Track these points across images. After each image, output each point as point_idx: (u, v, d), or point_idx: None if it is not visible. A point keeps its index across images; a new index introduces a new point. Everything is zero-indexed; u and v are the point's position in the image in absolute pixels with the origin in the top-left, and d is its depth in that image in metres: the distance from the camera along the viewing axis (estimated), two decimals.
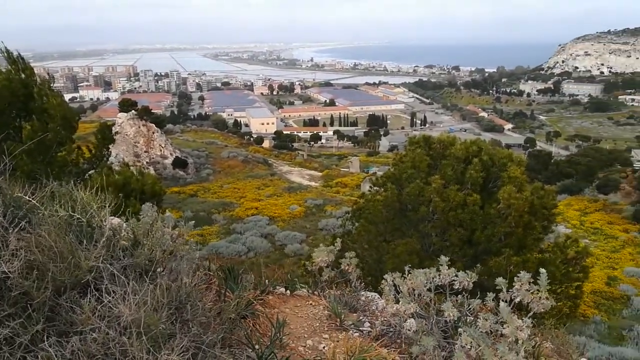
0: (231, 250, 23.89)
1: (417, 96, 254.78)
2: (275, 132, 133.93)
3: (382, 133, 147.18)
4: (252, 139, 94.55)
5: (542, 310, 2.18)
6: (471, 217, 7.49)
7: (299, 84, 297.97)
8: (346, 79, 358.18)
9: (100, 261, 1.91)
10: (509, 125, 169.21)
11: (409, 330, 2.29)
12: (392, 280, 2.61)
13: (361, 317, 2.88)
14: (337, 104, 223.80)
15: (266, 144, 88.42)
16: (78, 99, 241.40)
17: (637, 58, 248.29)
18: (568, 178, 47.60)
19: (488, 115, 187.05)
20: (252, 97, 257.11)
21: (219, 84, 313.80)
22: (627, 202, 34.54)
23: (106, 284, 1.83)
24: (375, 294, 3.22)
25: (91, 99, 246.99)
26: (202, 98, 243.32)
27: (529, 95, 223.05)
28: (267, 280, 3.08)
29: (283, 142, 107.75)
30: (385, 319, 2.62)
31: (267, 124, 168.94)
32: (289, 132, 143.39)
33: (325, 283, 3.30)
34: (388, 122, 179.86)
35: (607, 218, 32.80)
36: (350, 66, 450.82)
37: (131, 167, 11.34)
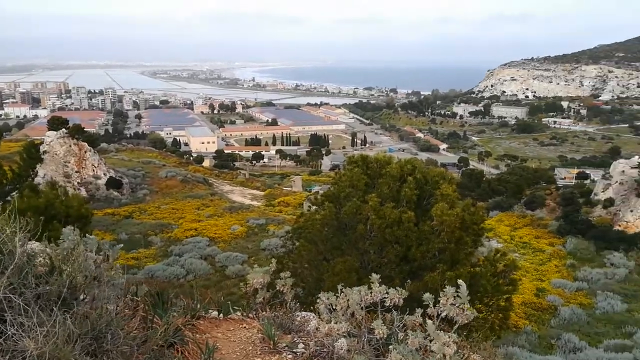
0: (169, 274, 22.97)
1: (358, 117, 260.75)
2: (216, 151, 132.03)
3: (324, 152, 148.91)
4: (191, 158, 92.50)
5: (466, 322, 2.25)
6: (406, 233, 7.68)
7: (241, 103, 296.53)
8: (288, 99, 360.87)
9: (5, 290, 1.74)
10: (444, 146, 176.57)
11: (340, 349, 2.28)
12: (327, 299, 2.60)
13: (295, 339, 2.83)
14: (279, 123, 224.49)
15: (207, 163, 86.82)
16: (2, 117, 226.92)
17: (558, 84, 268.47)
18: (499, 195, 50.07)
19: (424, 135, 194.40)
20: (192, 115, 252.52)
21: (157, 102, 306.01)
22: (552, 217, 36.77)
23: (11, 315, 1.67)
24: (312, 313, 3.19)
25: (17, 116, 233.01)
26: (139, 116, 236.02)
27: (461, 117, 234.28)
28: (198, 304, 2.97)
29: (224, 161, 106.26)
30: (319, 339, 2.59)
31: (208, 143, 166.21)
32: (230, 152, 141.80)
33: (260, 305, 3.23)
34: (330, 141, 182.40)
35: (534, 233, 34.67)
36: (292, 87, 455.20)
37: (59, 188, 10.69)
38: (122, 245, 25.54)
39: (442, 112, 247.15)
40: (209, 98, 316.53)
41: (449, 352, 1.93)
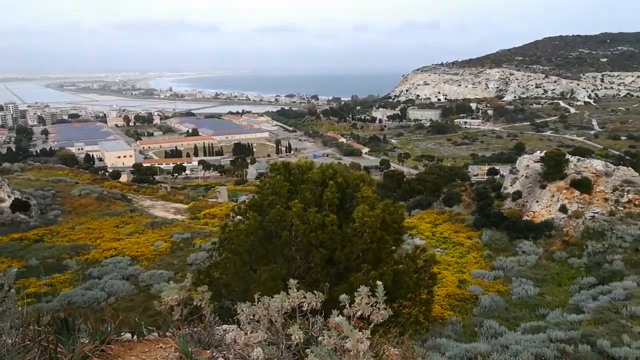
0: (88, 298, 21.53)
1: (281, 124, 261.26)
2: (134, 165, 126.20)
3: (249, 161, 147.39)
4: (107, 173, 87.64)
5: (381, 320, 2.31)
6: (331, 237, 7.78)
7: (158, 114, 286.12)
8: (208, 109, 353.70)
9: None
10: (365, 149, 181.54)
11: (256, 358, 2.24)
12: (247, 310, 2.55)
13: (215, 354, 2.74)
14: (200, 133, 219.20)
15: (124, 178, 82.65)
16: None
17: (466, 86, 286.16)
18: (419, 194, 52.26)
19: (347, 140, 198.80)
20: (105, 129, 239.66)
21: (65, 117, 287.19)
22: (468, 212, 38.92)
23: None
24: (235, 326, 3.11)
25: None
26: (45, 132, 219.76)
27: (380, 121, 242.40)
28: (109, 328, 2.78)
29: (143, 175, 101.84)
30: (237, 351, 2.53)
31: (124, 157, 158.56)
32: (149, 165, 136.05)
33: (177, 322, 3.10)
34: (254, 150, 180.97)
35: (453, 227, 36.46)
36: (212, 95, 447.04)
37: None
38: (16, 269, 23.57)
39: (363, 117, 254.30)
40: (124, 110, 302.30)
41: (362, 349, 1.96)
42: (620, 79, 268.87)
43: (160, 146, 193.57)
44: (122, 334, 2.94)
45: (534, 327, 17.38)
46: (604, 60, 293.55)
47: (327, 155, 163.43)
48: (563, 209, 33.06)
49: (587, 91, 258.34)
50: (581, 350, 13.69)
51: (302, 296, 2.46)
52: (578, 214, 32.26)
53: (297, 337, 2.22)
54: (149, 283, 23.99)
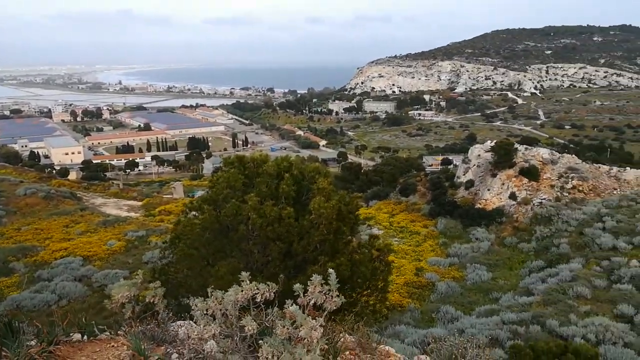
0: (38, 302, 20.63)
1: (237, 117, 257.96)
2: (84, 162, 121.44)
3: (204, 156, 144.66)
4: (54, 171, 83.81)
5: (334, 307, 2.35)
6: (288, 229, 7.79)
7: (108, 109, 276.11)
8: (161, 102, 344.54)
9: None
10: (323, 142, 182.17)
11: (209, 351, 2.23)
12: (201, 304, 2.53)
13: (169, 349, 2.71)
14: (153, 128, 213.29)
15: (73, 175, 79.40)
16: None
17: (420, 79, 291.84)
18: (376, 185, 53.07)
19: (304, 133, 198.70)
20: (51, 125, 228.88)
21: (6, 112, 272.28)
22: (424, 202, 39.87)
23: None
24: (190, 321, 3.07)
25: None
26: None
27: (337, 113, 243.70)
28: (56, 329, 2.68)
29: (93, 172, 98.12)
30: (192, 346, 2.51)
31: (72, 153, 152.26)
32: (99, 161, 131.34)
33: (130, 320, 3.03)
34: (210, 144, 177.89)
35: (410, 217, 37.26)
36: (164, 89, 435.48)
37: None
38: None
39: (319, 110, 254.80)
40: (70, 105, 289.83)
41: (316, 336, 1.99)
42: (564, 70, 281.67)
43: (111, 142, 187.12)
44: (72, 334, 2.84)
45: (487, 311, 18.06)
46: (549, 52, 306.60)
47: (285, 149, 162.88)
48: (513, 196, 34.42)
49: (533, 82, 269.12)
50: (532, 330, 14.38)
51: (255, 288, 2.46)
52: (527, 201, 33.68)
53: (250, 328, 2.22)
54: (103, 283, 23.25)
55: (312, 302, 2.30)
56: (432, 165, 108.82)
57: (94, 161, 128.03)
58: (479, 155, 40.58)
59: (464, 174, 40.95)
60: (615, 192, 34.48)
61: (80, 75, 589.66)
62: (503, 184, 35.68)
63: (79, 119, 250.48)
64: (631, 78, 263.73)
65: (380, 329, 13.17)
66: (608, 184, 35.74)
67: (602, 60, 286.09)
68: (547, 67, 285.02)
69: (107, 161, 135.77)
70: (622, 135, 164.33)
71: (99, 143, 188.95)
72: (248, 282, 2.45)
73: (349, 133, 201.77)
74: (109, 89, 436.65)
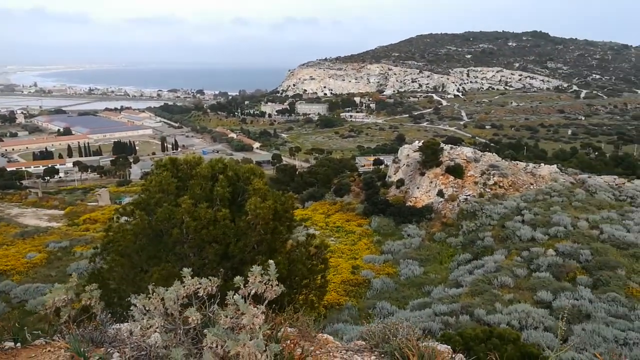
0: None
1: (165, 120, 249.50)
2: None
3: (131, 160, 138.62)
4: None
5: (275, 296, 2.43)
6: (224, 231, 7.73)
7: (22, 113, 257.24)
8: (82, 105, 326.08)
9: None
10: (257, 144, 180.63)
11: (153, 344, 2.23)
12: (140, 303, 2.51)
13: (109, 349, 2.66)
14: (73, 132, 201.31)
15: None
16: None
17: (350, 81, 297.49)
18: (311, 186, 53.52)
19: (237, 136, 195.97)
20: None
21: None
22: (358, 201, 40.76)
23: None
24: (128, 323, 3.00)
25: None
26: None
27: (270, 115, 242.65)
28: None
29: (8, 180, 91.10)
30: (134, 343, 2.49)
31: None
32: (14, 169, 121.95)
33: (65, 324, 2.92)
34: (137, 148, 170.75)
35: (345, 217, 37.94)
36: (86, 91, 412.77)
37: None
38: None
39: (252, 112, 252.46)
40: None
41: (258, 323, 2.06)
42: (483, 73, 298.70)
43: (27, 147, 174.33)
44: (3, 342, 2.69)
45: (421, 304, 18.84)
46: (469, 56, 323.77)
47: (218, 152, 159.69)
48: (440, 193, 36.06)
49: (455, 85, 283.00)
50: (461, 320, 15.19)
51: (198, 283, 2.48)
52: (453, 198, 35.43)
53: (194, 320, 2.24)
54: (23, 299, 21.72)
55: (253, 291, 2.36)
56: (364, 165, 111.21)
57: (8, 168, 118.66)
58: (408, 155, 42.13)
59: (394, 174, 42.33)
60: (532, 186, 37.13)
61: None
62: (431, 182, 37.28)
63: None
64: (542, 80, 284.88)
65: (320, 328, 13.34)
66: (525, 179, 38.41)
67: (517, 64, 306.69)
68: (468, 70, 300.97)
69: (23, 168, 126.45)
70: (537, 134, 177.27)
71: (13, 149, 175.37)
72: (190, 277, 2.47)
73: (283, 135, 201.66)
74: (23, 92, 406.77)
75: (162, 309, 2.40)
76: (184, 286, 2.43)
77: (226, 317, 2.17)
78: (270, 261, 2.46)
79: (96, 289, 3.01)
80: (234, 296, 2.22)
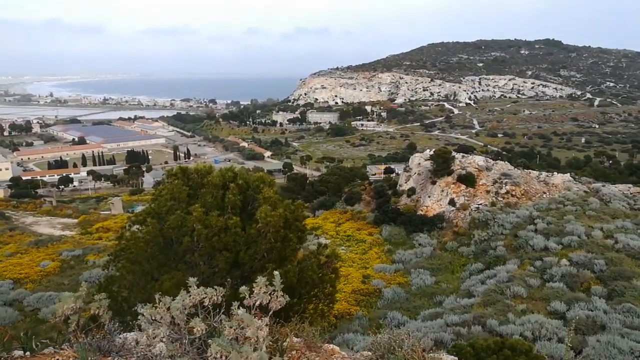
0: None
1: (178, 129, 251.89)
2: (12, 179, 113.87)
3: (144, 169, 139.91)
4: None
5: (279, 307, 2.43)
6: (234, 239, 7.75)
7: (38, 122, 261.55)
8: (97, 115, 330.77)
9: None
10: (268, 153, 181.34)
11: (158, 355, 2.24)
12: (147, 312, 2.52)
13: (116, 359, 2.67)
14: (88, 141, 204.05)
15: (0, 193, 74.52)
16: None
17: (361, 90, 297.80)
18: (322, 195, 53.54)
19: (248, 144, 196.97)
20: None
21: None
22: (369, 210, 40.64)
23: None
24: (134, 333, 3.02)
25: None
26: None
27: (281, 124, 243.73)
28: None
29: (23, 189, 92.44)
30: (140, 353, 2.50)
31: None
32: (30, 177, 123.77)
33: (74, 333, 2.94)
34: (150, 157, 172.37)
35: (355, 225, 37.81)
36: (100, 101, 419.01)
37: None
38: None
39: (263, 121, 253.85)
40: None
41: (262, 335, 2.06)
42: (495, 82, 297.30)
43: (42, 157, 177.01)
44: (12, 351, 2.72)
45: (432, 314, 18.62)
46: (481, 65, 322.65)
47: (229, 160, 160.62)
48: (452, 202, 35.82)
49: (467, 93, 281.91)
50: (473, 331, 14.99)
51: (203, 292, 2.49)
52: (465, 206, 35.15)
53: (199, 330, 2.25)
54: (36, 307, 21.94)
55: (258, 302, 2.36)
56: (375, 174, 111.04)
57: (24, 177, 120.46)
58: (419, 163, 41.97)
59: (405, 182, 42.17)
60: (544, 195, 36.72)
61: (6, 87, 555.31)
62: (442, 190, 37.06)
63: (5, 133, 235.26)
64: (555, 89, 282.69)
65: (330, 338, 13.27)
66: (538, 188, 38.01)
67: (529, 72, 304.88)
68: (480, 78, 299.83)
69: (39, 177, 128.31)
70: (550, 142, 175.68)
71: (28, 158, 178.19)
72: (195, 287, 2.48)
73: (294, 144, 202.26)
74: (39, 102, 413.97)
75: (169, 319, 2.41)
76: (189, 295, 2.44)
77: (231, 327, 2.17)
78: (276, 272, 2.46)
79: (105, 297, 3.03)
80: (238, 309, 2.23)
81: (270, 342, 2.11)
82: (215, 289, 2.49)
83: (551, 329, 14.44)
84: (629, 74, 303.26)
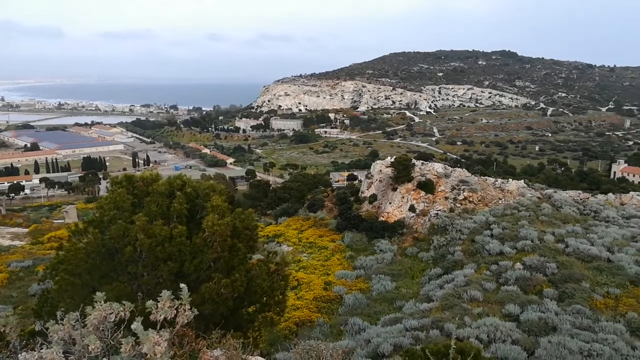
0: None
1: (137, 136, 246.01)
2: None
3: (101, 176, 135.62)
4: None
5: (186, 320, 2.31)
6: (179, 248, 7.52)
7: None
8: (51, 120, 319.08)
9: None
10: (230, 160, 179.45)
11: None
12: (51, 328, 2.35)
13: None
14: (41, 148, 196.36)
15: None
16: None
17: (324, 98, 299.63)
18: (285, 202, 53.27)
19: (210, 151, 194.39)
20: None
21: None
22: (331, 217, 40.67)
23: None
24: (28, 353, 2.81)
25: None
26: None
27: (244, 131, 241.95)
28: None
29: None
30: None
31: None
32: None
33: None
34: (107, 164, 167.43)
35: (318, 232, 37.72)
36: (55, 105, 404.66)
37: None
38: None
39: (226, 127, 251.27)
40: None
41: (159, 351, 1.95)
42: (454, 91, 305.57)
43: None
44: None
45: (392, 319, 18.69)
46: (440, 74, 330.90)
47: (191, 167, 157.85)
48: (412, 208, 36.32)
49: (428, 102, 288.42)
50: (432, 335, 15.13)
51: (109, 308, 2.34)
52: (424, 213, 35.72)
53: (94, 347, 2.11)
54: None
55: (162, 317, 2.24)
56: (338, 181, 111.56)
57: None
58: (381, 170, 42.41)
59: (367, 189, 42.50)
60: (500, 201, 37.79)
61: None
62: (403, 197, 37.55)
63: None
64: (511, 98, 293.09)
65: (291, 346, 13.10)
66: (494, 194, 39.10)
67: (487, 82, 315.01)
68: (440, 88, 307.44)
69: None
70: (506, 150, 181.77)
71: None
72: (102, 302, 2.33)
73: (257, 151, 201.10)
74: None
75: (67, 336, 2.25)
76: (94, 311, 2.29)
77: (127, 344, 2.04)
78: (183, 285, 2.34)
79: (11, 314, 2.82)
80: (134, 324, 2.10)
81: (179, 359, 2.00)
82: (123, 304, 2.35)
83: (505, 332, 14.75)
84: (580, 85, 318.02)
